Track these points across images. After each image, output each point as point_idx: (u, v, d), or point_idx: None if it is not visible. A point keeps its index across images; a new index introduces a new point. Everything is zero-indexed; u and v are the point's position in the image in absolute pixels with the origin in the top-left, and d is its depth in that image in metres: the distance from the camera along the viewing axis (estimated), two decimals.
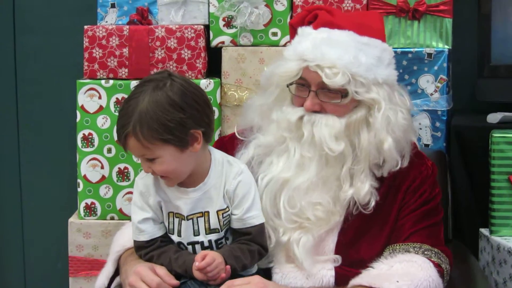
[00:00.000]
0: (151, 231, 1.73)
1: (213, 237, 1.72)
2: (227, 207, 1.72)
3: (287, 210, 1.77)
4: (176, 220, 1.72)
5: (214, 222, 1.71)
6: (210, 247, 1.72)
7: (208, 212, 1.71)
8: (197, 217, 1.71)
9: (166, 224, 1.74)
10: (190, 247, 1.72)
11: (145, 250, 1.74)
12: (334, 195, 1.78)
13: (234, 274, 1.69)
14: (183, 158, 1.67)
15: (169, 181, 1.70)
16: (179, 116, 1.63)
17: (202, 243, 1.72)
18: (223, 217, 1.72)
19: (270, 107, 1.84)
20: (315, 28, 1.80)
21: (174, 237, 1.74)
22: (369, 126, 1.77)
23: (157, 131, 1.62)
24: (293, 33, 1.87)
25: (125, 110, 1.64)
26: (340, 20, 1.79)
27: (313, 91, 1.76)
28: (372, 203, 1.77)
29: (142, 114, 1.62)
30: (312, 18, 1.82)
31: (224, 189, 1.72)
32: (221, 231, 1.72)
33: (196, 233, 1.72)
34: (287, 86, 1.80)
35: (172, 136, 1.64)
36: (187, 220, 1.71)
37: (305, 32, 1.81)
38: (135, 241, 1.76)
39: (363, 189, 1.76)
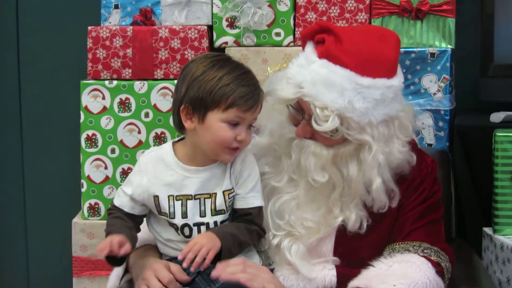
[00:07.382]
0: (125, 202, 1.74)
1: (219, 218, 1.72)
2: (232, 188, 1.73)
3: (274, 220, 1.79)
4: (178, 202, 1.72)
5: (220, 203, 1.72)
6: None
7: (215, 193, 1.72)
8: (204, 198, 1.72)
9: (166, 208, 1.73)
10: (195, 228, 1.72)
11: (112, 213, 1.75)
12: (324, 212, 1.78)
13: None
14: None
15: (238, 152, 1.73)
16: None
17: (207, 224, 1.72)
18: (228, 198, 1.73)
19: (271, 109, 1.84)
20: (320, 56, 1.73)
21: (177, 220, 1.72)
22: (359, 161, 1.75)
23: None
24: (304, 43, 1.82)
25: (250, 79, 1.72)
26: (345, 54, 1.70)
27: (306, 120, 1.75)
28: (364, 226, 1.77)
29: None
30: (321, 39, 1.76)
31: (231, 169, 1.74)
32: (227, 212, 1.73)
33: (202, 214, 1.72)
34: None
35: None
36: (195, 199, 1.72)
37: (309, 58, 1.75)
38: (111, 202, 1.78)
39: (351, 218, 1.76)
